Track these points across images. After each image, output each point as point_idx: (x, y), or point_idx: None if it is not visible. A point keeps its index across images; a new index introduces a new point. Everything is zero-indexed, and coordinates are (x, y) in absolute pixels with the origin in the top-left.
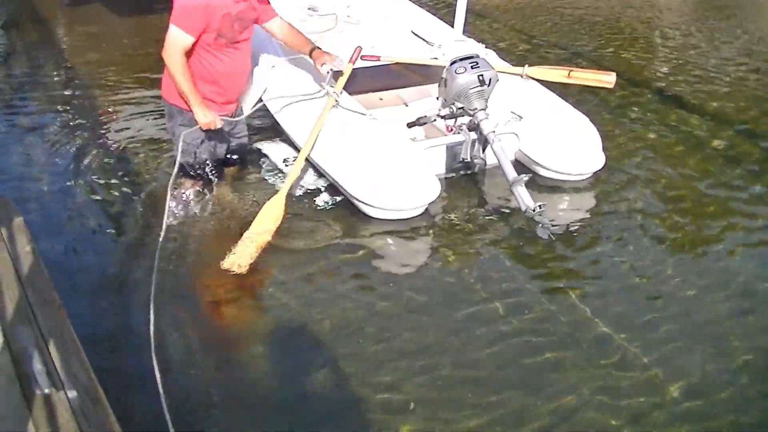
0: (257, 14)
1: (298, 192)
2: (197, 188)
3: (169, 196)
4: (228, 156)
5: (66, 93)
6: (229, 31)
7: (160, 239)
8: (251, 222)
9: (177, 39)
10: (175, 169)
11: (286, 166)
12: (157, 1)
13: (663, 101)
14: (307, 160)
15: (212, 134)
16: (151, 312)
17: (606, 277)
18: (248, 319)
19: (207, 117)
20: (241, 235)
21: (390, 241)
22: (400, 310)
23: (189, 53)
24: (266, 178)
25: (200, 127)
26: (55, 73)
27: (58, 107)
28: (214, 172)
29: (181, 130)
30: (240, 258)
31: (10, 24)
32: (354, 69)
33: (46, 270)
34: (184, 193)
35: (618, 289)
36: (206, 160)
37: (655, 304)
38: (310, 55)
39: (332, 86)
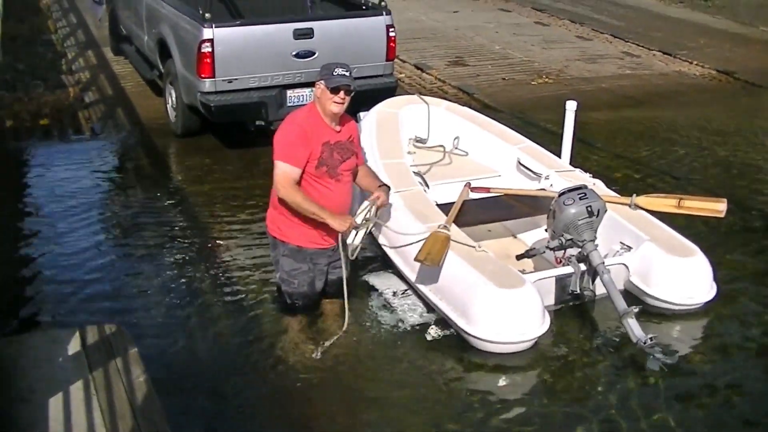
0: (355, 149)
1: (407, 326)
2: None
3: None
4: (326, 289)
5: (178, 222)
6: (329, 158)
7: None
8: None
9: (285, 173)
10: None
11: (396, 299)
12: (265, 135)
13: None
14: (416, 293)
15: (312, 266)
16: None
17: (716, 410)
18: None
19: (342, 224)
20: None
21: (498, 375)
22: None
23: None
24: (375, 312)
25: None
26: (168, 202)
27: (171, 236)
28: (310, 304)
29: (284, 260)
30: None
31: (127, 155)
32: (463, 200)
33: (159, 401)
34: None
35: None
36: (305, 292)
37: None
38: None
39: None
